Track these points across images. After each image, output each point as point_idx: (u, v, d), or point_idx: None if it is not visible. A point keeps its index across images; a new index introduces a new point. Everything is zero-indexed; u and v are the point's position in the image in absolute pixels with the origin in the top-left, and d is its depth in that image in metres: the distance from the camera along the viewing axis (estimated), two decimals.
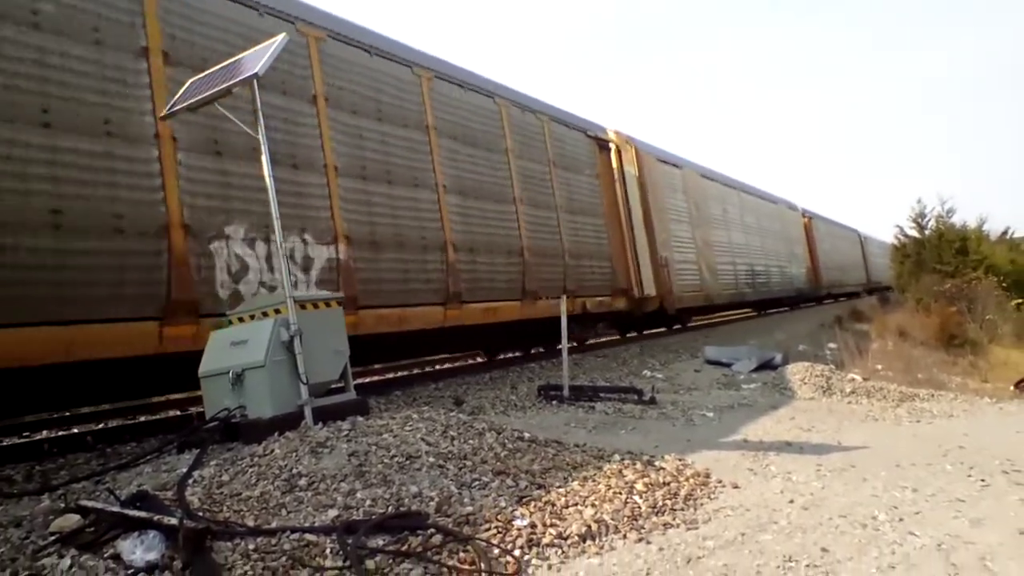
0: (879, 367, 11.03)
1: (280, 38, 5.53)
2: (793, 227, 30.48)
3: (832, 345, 14.07)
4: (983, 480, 4.20)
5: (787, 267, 28.14)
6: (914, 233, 26.99)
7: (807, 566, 2.99)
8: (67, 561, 3.06)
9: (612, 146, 15.87)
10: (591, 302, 13.50)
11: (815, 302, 33.28)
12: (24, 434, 8.07)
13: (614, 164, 15.77)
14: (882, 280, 43.82)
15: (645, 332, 18.02)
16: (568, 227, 13.22)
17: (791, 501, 3.97)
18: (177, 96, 5.96)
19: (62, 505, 4.02)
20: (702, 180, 20.98)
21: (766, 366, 10.04)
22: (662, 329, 18.61)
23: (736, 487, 4.33)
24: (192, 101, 5.58)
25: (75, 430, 8.03)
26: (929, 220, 26.43)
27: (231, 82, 5.34)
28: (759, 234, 25.34)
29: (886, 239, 42.05)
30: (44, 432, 8.11)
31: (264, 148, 5.45)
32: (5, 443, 7.34)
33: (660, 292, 16.03)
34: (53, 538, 3.39)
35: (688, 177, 19.74)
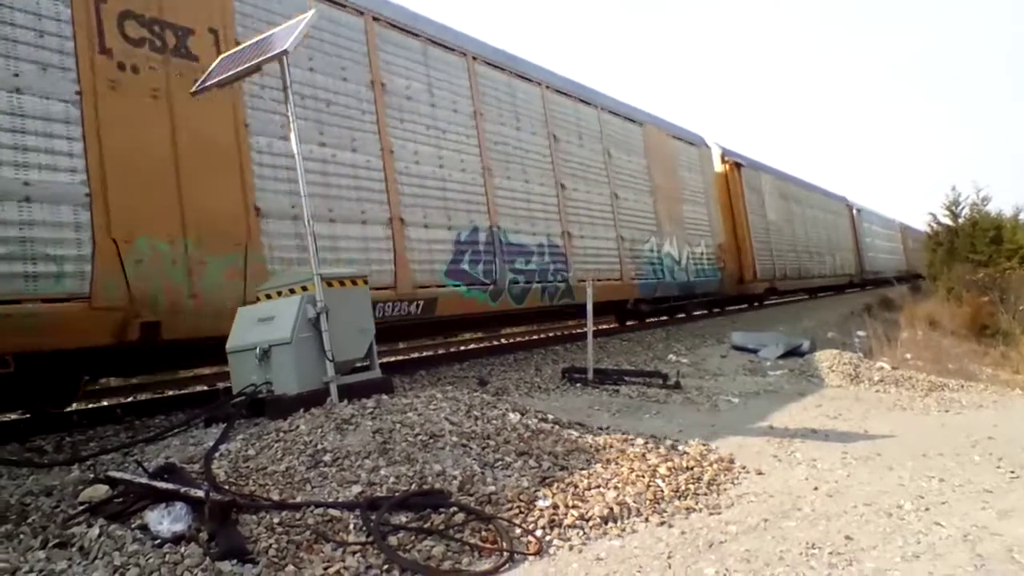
0: (908, 356, 10.91)
1: (310, 14, 5.52)
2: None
3: (861, 333, 13.92)
4: (1012, 472, 4.14)
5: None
6: (947, 221, 26.60)
7: (830, 553, 2.97)
8: (95, 530, 3.10)
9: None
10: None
11: (859, 287, 35.04)
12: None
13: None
14: (919, 268, 43.62)
15: (694, 314, 19.34)
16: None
17: (815, 488, 3.94)
18: (207, 73, 5.98)
19: (91, 476, 4.10)
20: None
21: (793, 353, 9.95)
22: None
23: (760, 473, 4.31)
24: (222, 77, 5.59)
25: (104, 403, 8.16)
26: (963, 208, 26.03)
27: (261, 58, 5.34)
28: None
29: (922, 228, 41.76)
30: (74, 404, 8.24)
31: (293, 126, 5.47)
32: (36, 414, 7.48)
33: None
34: (82, 507, 3.45)
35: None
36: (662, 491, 3.85)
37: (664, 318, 18.00)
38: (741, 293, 20.55)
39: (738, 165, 21.14)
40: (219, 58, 6.10)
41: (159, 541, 3.06)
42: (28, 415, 6.95)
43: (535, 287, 11.06)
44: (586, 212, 12.98)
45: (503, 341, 14.02)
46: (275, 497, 3.55)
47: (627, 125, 15.28)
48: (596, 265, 12.88)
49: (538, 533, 3.28)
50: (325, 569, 2.91)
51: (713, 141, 20.38)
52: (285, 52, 5.23)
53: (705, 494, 3.90)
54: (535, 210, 11.56)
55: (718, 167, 20.27)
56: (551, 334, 15.12)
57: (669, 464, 4.24)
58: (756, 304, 22.80)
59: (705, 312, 19.72)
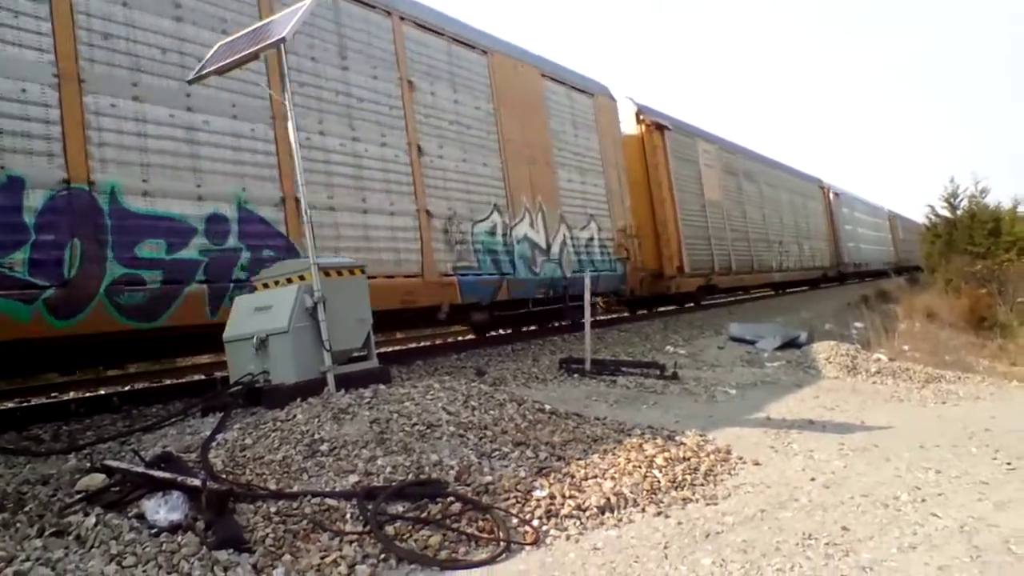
0: (906, 348, 10.91)
1: (308, 2, 5.49)
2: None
3: (858, 325, 13.93)
4: (1009, 463, 4.14)
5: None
6: (946, 213, 26.60)
7: (827, 544, 2.97)
8: (92, 519, 3.10)
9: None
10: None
11: (837, 282, 31.50)
12: (52, 395, 8.21)
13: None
14: (910, 260, 42.17)
15: (671, 308, 18.38)
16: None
17: (812, 479, 3.94)
18: (204, 61, 5.96)
19: (88, 465, 4.10)
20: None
21: (791, 344, 9.95)
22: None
23: (757, 464, 4.31)
24: (220, 65, 5.56)
25: (102, 391, 8.15)
26: (962, 200, 26.02)
27: (259, 46, 5.32)
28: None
29: (918, 219, 40.87)
30: (71, 393, 8.24)
31: (291, 114, 5.44)
32: (34, 403, 7.48)
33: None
34: (79, 496, 3.45)
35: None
36: (659, 481, 3.85)
37: (647, 311, 17.09)
38: (658, 292, 16.08)
39: (660, 127, 16.53)
40: (216, 46, 6.07)
41: (156, 530, 3.06)
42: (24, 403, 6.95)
43: (188, 291, 6.50)
44: (345, 170, 8.33)
45: (500, 332, 13.91)
46: (272, 486, 3.55)
47: (457, 50, 10.58)
48: (369, 253, 8.26)
49: (535, 523, 3.29)
50: (322, 558, 2.91)
51: (625, 95, 16.22)
52: (283, 40, 5.20)
53: (702, 485, 3.90)
54: (213, 158, 6.97)
55: (629, 128, 15.97)
56: (548, 325, 14.85)
57: (666, 455, 4.25)
58: (690, 305, 18.38)
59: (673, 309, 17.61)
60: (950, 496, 3.59)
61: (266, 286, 5.82)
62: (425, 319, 9.88)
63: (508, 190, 10.99)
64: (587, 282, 8.33)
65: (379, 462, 3.76)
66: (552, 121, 12.55)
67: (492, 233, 10.50)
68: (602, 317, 15.52)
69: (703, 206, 18.20)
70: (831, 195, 31.35)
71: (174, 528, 3.07)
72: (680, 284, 16.28)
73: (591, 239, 13.05)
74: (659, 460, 4.15)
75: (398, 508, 3.32)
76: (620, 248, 13.90)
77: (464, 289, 9.65)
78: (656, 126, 16.49)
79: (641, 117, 16.25)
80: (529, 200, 11.44)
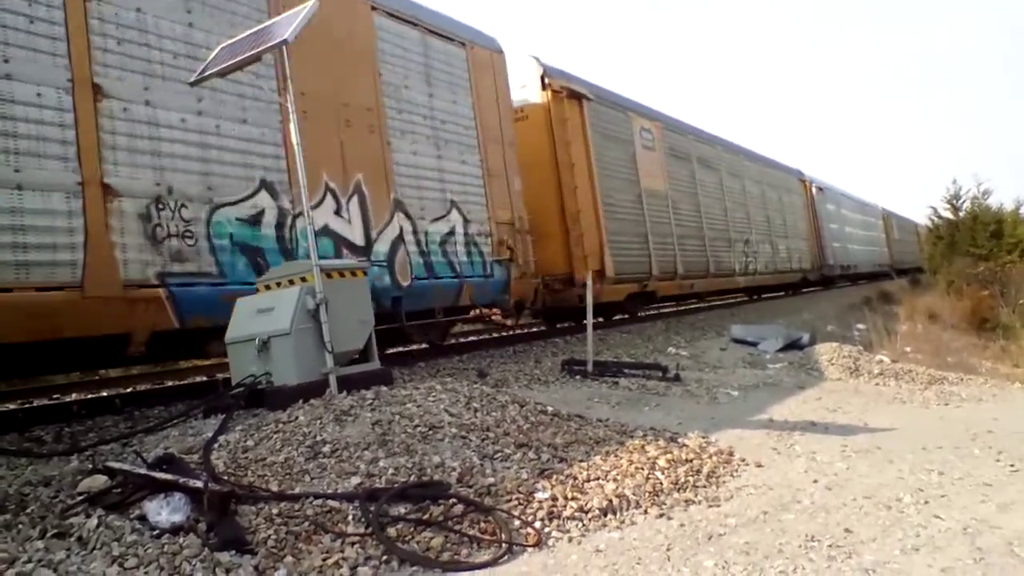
0: (908, 349, 10.89)
1: (311, 4, 5.49)
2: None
3: (861, 326, 13.91)
4: (1012, 465, 4.13)
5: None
6: (948, 215, 26.54)
7: (829, 546, 2.97)
8: (94, 521, 3.10)
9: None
10: None
11: (821, 286, 28.71)
12: (54, 396, 8.21)
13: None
14: (906, 261, 40.51)
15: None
16: None
17: (815, 481, 3.94)
18: (207, 63, 5.96)
19: (90, 466, 4.10)
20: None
21: (793, 346, 9.94)
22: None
23: (759, 466, 4.31)
24: (223, 67, 5.57)
25: (104, 393, 8.16)
26: (964, 202, 25.96)
27: (261, 48, 5.32)
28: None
29: (918, 219, 40.12)
30: (73, 395, 8.25)
31: (293, 115, 5.45)
32: (35, 404, 7.48)
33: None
34: (81, 498, 3.44)
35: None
36: (661, 483, 3.85)
37: (658, 309, 16.65)
38: (565, 304, 12.65)
39: (576, 96, 13.23)
40: (218, 48, 6.07)
41: (158, 532, 3.05)
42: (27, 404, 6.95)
43: None
44: None
45: (503, 333, 13.86)
46: (274, 488, 3.55)
47: None
48: None
49: (537, 525, 3.29)
50: (324, 560, 2.91)
51: (530, 54, 13.04)
52: (285, 42, 5.21)
53: (704, 486, 3.90)
54: None
55: (533, 94, 12.75)
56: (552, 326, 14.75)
57: (668, 456, 4.24)
58: (623, 318, 14.95)
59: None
60: (953, 498, 3.58)
61: (268, 288, 5.82)
62: (92, 357, 6.74)
63: (292, 160, 7.18)
64: (589, 281, 8.32)
65: (381, 464, 3.76)
66: (388, 73, 9.13)
67: (254, 222, 7.09)
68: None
69: (638, 196, 14.68)
70: (814, 189, 28.09)
71: (176, 530, 3.06)
72: (602, 292, 12.60)
73: (451, 234, 9.74)
74: (661, 462, 4.14)
75: (400, 510, 3.31)
76: (501, 247, 10.57)
77: (185, 307, 6.33)
78: (570, 94, 13.07)
79: (548, 82, 12.72)
80: (337, 177, 8.11)
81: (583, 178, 12.91)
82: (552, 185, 12.60)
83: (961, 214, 25.76)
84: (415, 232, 9.11)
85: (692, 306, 19.90)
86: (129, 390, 8.47)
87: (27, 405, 7.44)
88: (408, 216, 9.04)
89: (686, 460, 4.24)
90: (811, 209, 27.58)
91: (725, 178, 19.90)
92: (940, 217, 27.04)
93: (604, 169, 13.65)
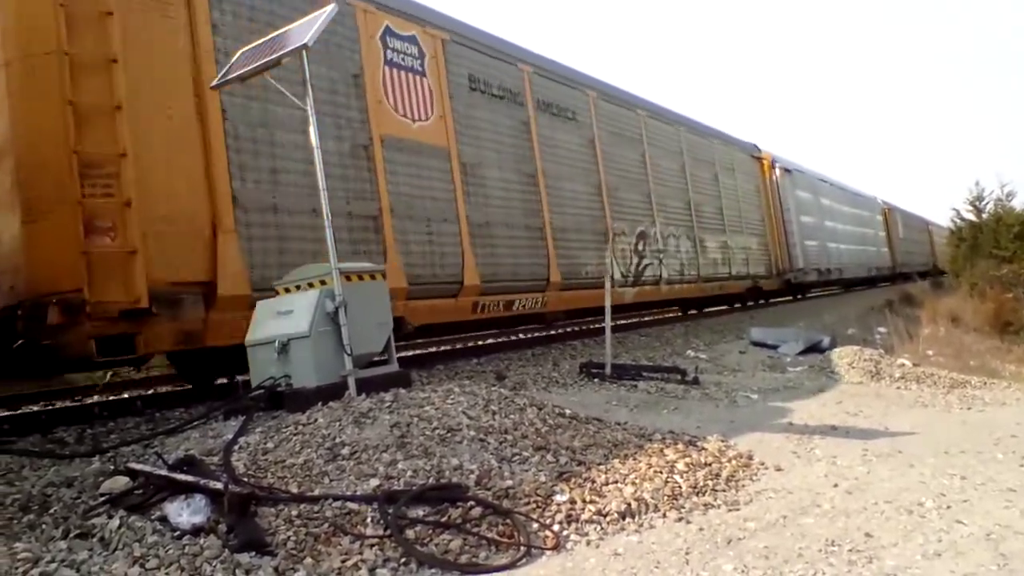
0: (930, 353, 10.78)
1: (329, 8, 5.53)
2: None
3: (882, 329, 13.80)
4: None
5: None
6: (971, 217, 26.29)
7: (850, 550, 2.95)
8: (116, 521, 3.14)
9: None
10: None
11: (890, 282, 31.89)
12: (76, 398, 8.30)
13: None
14: (914, 264, 39.59)
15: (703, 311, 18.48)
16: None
17: (835, 485, 3.91)
18: (227, 68, 6.00)
19: (112, 467, 4.14)
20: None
21: (813, 349, 9.88)
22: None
23: (779, 470, 4.28)
24: (243, 71, 5.61)
25: (125, 395, 8.23)
26: (987, 203, 25.71)
27: (281, 52, 5.36)
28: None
29: (940, 220, 39.65)
30: (95, 396, 8.33)
31: (312, 120, 5.48)
32: (58, 406, 7.56)
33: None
34: (103, 499, 3.49)
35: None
36: (680, 487, 3.83)
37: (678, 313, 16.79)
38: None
39: None
40: (238, 52, 6.12)
41: (178, 533, 3.08)
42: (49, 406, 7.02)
43: None
44: None
45: (520, 336, 13.86)
46: (293, 490, 3.57)
47: None
48: None
49: (555, 528, 3.28)
50: (343, 562, 2.92)
51: None
52: (305, 46, 5.24)
53: (724, 490, 3.88)
54: None
55: None
56: (569, 329, 14.75)
57: (687, 460, 4.23)
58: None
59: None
60: (975, 503, 3.55)
61: (287, 291, 5.85)
62: None
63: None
64: (607, 284, 8.31)
65: (399, 466, 3.77)
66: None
67: None
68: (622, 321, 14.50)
69: (361, 147, 8.27)
70: (777, 171, 21.56)
71: (196, 531, 3.09)
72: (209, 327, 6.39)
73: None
74: (680, 465, 4.13)
75: (418, 512, 3.32)
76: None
77: None
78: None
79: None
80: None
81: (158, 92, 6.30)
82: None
83: (984, 216, 25.51)
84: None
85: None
86: (150, 392, 8.54)
87: (49, 407, 7.52)
88: None
89: (705, 464, 4.22)
90: (771, 195, 21.22)
91: (604, 140, 13.30)
92: (963, 219, 26.80)
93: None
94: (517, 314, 10.60)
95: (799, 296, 24.32)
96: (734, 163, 19.32)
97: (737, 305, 19.70)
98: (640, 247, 13.79)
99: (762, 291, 20.08)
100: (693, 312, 18.41)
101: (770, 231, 20.76)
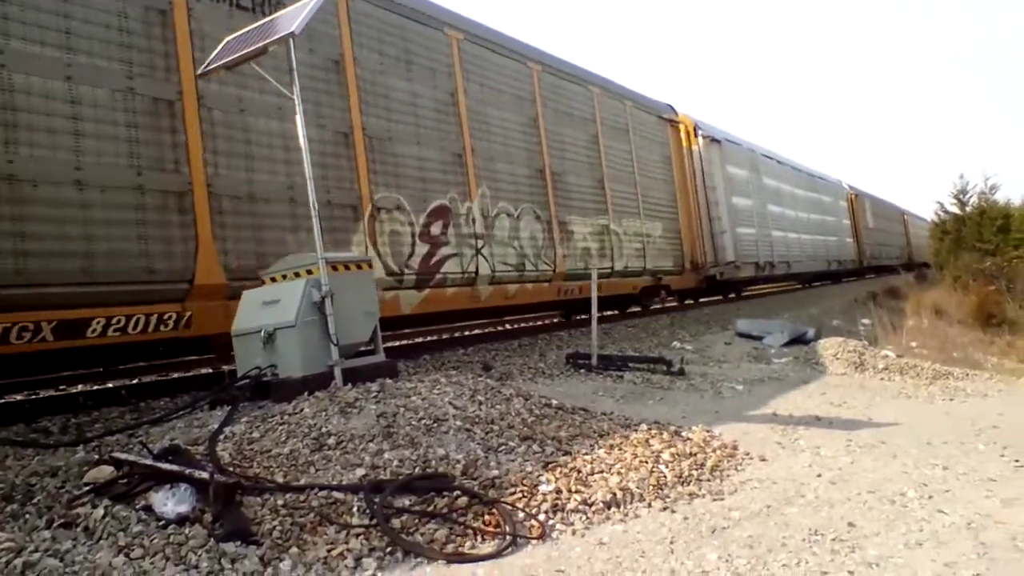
0: (913, 344, 10.87)
1: None
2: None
3: (866, 321, 13.88)
4: (1017, 460, 4.13)
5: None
6: (955, 210, 26.46)
7: (833, 540, 2.97)
8: (100, 511, 3.12)
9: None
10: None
11: (856, 276, 29.76)
12: (60, 387, 8.24)
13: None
14: (885, 255, 37.03)
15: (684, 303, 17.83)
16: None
17: (819, 475, 3.94)
18: (213, 55, 5.96)
19: (96, 457, 4.11)
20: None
21: (798, 340, 9.93)
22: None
23: (764, 460, 4.31)
24: (229, 60, 5.57)
25: (110, 384, 8.18)
26: (971, 197, 25.86)
27: (268, 40, 5.32)
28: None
29: (920, 211, 38.60)
30: (80, 386, 8.27)
31: (299, 108, 5.45)
32: (42, 395, 7.50)
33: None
34: (87, 488, 3.46)
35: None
36: (665, 477, 3.85)
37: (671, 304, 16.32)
38: None
39: None
40: (224, 40, 6.07)
41: (163, 522, 3.07)
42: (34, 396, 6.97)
43: None
44: None
45: (508, 327, 13.86)
46: (279, 479, 3.56)
47: None
48: None
49: (541, 517, 3.29)
50: (329, 551, 2.92)
51: None
52: (292, 34, 5.20)
53: (708, 480, 3.90)
54: None
55: None
56: (555, 320, 14.83)
57: (672, 450, 4.25)
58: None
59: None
60: (957, 493, 3.58)
61: (274, 280, 5.83)
62: None
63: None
64: (594, 276, 8.33)
65: (386, 456, 3.77)
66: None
67: None
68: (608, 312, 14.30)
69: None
70: (700, 140, 17.50)
71: (182, 520, 3.08)
72: None
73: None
74: (665, 455, 4.15)
75: (404, 502, 3.33)
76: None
77: None
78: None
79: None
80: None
81: None
82: None
83: (968, 209, 25.68)
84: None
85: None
86: (135, 381, 8.49)
87: (33, 396, 7.46)
88: None
89: (690, 454, 4.25)
90: (688, 170, 17.08)
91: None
92: (947, 212, 26.96)
93: None
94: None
95: (731, 296, 20.51)
96: (629, 124, 14.62)
97: (636, 308, 15.23)
98: (434, 230, 9.33)
99: (670, 290, 15.59)
100: (655, 308, 15.41)
101: (684, 214, 16.40)
